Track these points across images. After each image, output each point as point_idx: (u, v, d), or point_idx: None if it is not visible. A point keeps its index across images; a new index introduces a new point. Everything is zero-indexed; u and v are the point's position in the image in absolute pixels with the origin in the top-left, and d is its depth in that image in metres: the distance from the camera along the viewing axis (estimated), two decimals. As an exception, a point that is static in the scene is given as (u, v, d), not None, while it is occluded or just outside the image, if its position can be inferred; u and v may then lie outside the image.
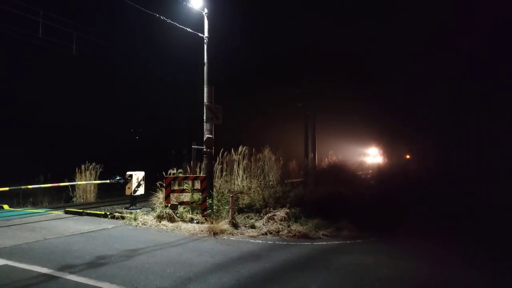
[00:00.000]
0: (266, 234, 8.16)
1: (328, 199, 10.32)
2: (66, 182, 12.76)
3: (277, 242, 7.56)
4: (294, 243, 7.50)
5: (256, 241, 7.66)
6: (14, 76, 23.78)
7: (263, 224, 8.72)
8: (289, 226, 8.42)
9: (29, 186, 10.70)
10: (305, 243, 7.52)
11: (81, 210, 10.80)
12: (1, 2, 10.41)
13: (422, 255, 6.74)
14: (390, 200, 10.54)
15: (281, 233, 8.13)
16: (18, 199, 12.98)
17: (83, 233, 8.25)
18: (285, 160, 11.68)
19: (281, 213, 8.93)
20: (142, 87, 26.31)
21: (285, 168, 11.56)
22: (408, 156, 29.71)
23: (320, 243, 7.60)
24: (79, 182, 11.60)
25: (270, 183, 11.22)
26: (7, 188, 9.95)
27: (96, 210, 10.94)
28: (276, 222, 8.70)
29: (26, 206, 12.51)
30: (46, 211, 11.45)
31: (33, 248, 6.83)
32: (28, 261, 5.91)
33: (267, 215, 9.07)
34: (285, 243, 7.54)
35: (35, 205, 12.94)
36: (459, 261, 6.47)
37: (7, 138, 22.17)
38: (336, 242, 7.65)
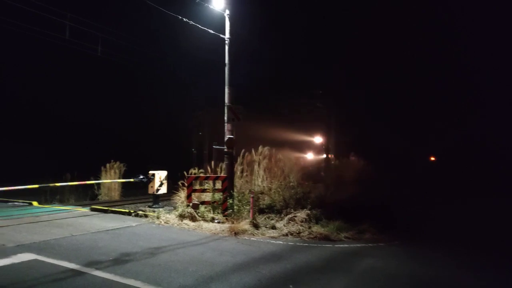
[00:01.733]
0: (287, 235, 8.15)
1: (349, 201, 10.23)
2: (91, 180, 13.12)
3: (298, 244, 7.54)
4: (315, 245, 7.46)
5: (277, 242, 7.66)
6: (40, 78, 24.70)
7: (284, 225, 8.71)
8: (310, 227, 8.38)
9: (57, 184, 11.07)
10: (327, 245, 7.46)
11: (106, 208, 11.09)
12: (30, 5, 10.79)
13: (447, 260, 6.57)
14: (408, 203, 10.37)
15: (302, 234, 8.11)
16: (46, 196, 13.45)
17: (108, 230, 8.47)
18: (305, 161, 11.60)
19: (301, 214, 8.90)
20: (164, 87, 26.78)
21: (306, 168, 11.47)
22: (432, 158, 28.95)
23: (341, 245, 7.53)
24: (104, 181, 11.92)
25: (291, 184, 11.17)
26: (36, 186, 10.33)
27: (121, 208, 11.20)
28: (296, 223, 8.68)
29: (54, 203, 12.94)
30: (73, 208, 11.81)
31: (61, 244, 7.06)
32: (57, 257, 6.11)
33: (287, 216, 9.06)
34: (306, 244, 7.50)
35: (62, 202, 13.36)
36: (490, 267, 6.29)
37: (36, 138, 23.05)
38: (358, 245, 7.56)
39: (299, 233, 8.18)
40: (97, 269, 5.53)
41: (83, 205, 12.25)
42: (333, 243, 7.66)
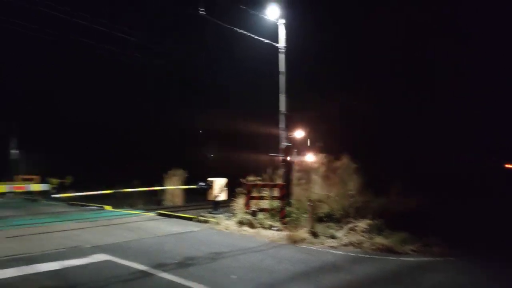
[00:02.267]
0: (347, 245, 7.93)
1: (415, 210, 9.66)
2: (156, 186, 13.91)
3: (359, 255, 7.29)
4: (378, 257, 7.15)
5: (337, 252, 7.49)
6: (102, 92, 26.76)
7: (344, 234, 8.48)
8: (372, 238, 8.05)
9: (127, 190, 11.92)
10: (390, 258, 7.12)
11: (170, 213, 11.70)
12: (99, 24, 11.84)
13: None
14: (485, 214, 9.49)
15: (363, 245, 7.82)
16: (117, 201, 14.51)
17: (173, 234, 8.92)
18: (365, 168, 11.19)
19: (362, 224, 8.59)
20: (221, 95, 27.63)
21: (367, 176, 11.06)
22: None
23: (406, 258, 7.13)
24: (168, 187, 12.61)
25: (350, 192, 10.86)
26: (111, 191, 11.23)
27: (183, 213, 11.73)
28: (357, 233, 8.39)
29: (124, 207, 13.92)
30: (141, 212, 12.62)
31: (131, 246, 7.59)
32: (127, 258, 6.57)
33: (347, 225, 8.80)
34: (368, 256, 7.23)
35: (132, 206, 14.33)
36: None
37: (104, 150, 25.11)
38: (425, 259, 7.10)
39: (360, 243, 7.90)
40: (163, 271, 5.84)
41: (150, 210, 13.03)
42: (397, 255, 7.28)
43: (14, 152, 22.55)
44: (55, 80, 26.86)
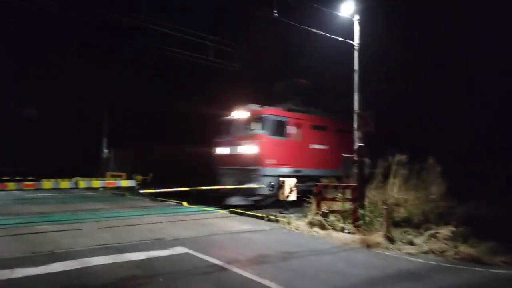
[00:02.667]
0: (427, 253, 7.42)
1: (507, 218, 8.67)
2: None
3: (442, 264, 6.77)
4: (463, 267, 6.58)
5: (416, 259, 7.05)
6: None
7: (423, 241, 7.95)
8: (456, 246, 7.43)
9: (202, 188, 12.56)
10: (477, 269, 6.50)
11: (242, 211, 12.05)
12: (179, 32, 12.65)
13: None
14: None
15: (446, 253, 7.25)
16: (193, 198, 15.33)
17: (244, 232, 9.19)
18: (450, 171, 10.32)
19: (445, 231, 7.97)
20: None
21: (451, 180, 10.20)
22: None
23: (496, 270, 6.45)
24: (241, 186, 13.01)
25: (431, 196, 10.12)
26: (187, 189, 11.97)
27: (254, 212, 12.00)
28: (439, 240, 7.81)
29: (199, 204, 14.68)
30: (215, 209, 13.21)
31: (207, 241, 8.00)
32: (204, 252, 6.94)
33: (428, 231, 8.24)
34: (451, 265, 6.69)
35: (206, 204, 15.05)
36: None
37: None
38: (519, 272, 6.36)
39: (442, 252, 7.33)
40: (237, 267, 6.06)
41: (223, 207, 13.55)
42: (485, 266, 6.62)
43: (105, 151, 25.15)
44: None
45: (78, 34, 14.03)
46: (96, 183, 10.56)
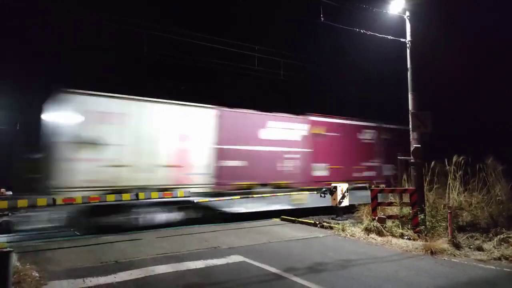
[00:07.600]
0: (499, 259, 6.86)
1: None
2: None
3: (518, 271, 6.23)
4: (544, 275, 6.00)
5: (487, 266, 6.53)
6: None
7: (494, 246, 7.38)
8: (533, 252, 6.81)
9: (254, 196, 12.62)
10: (561, 277, 5.89)
11: (294, 218, 11.93)
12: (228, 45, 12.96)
13: None
14: None
15: (521, 260, 6.66)
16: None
17: (298, 239, 9.09)
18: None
19: (518, 235, 7.34)
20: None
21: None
22: None
23: None
24: (292, 193, 12.94)
25: (498, 198, 9.38)
26: (238, 197, 12.10)
27: (306, 219, 11.84)
28: (511, 245, 7.20)
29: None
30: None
31: (261, 249, 8.01)
32: (260, 260, 6.94)
33: (498, 236, 7.63)
34: (530, 273, 6.12)
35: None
36: None
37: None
38: None
39: (517, 258, 6.75)
40: (295, 275, 5.99)
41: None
42: None
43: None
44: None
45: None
46: (155, 195, 11.04)
